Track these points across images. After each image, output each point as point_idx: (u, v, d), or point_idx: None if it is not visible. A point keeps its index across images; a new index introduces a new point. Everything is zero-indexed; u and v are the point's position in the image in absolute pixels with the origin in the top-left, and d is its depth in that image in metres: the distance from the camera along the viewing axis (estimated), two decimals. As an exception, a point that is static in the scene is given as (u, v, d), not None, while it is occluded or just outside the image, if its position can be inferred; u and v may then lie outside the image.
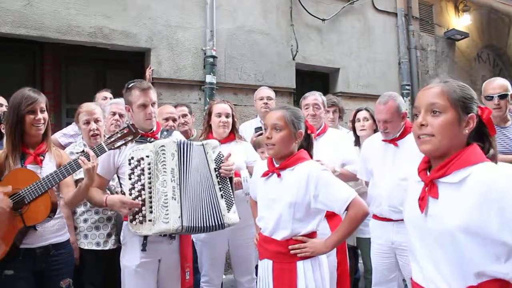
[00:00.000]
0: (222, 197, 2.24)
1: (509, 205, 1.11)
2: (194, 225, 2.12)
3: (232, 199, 2.31)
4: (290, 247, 1.86)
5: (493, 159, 1.29)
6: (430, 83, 1.35)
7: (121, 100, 3.25)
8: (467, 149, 1.26)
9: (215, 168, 2.28)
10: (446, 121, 1.25)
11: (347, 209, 1.81)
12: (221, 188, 2.27)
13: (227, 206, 2.24)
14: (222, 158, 2.33)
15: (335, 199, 1.82)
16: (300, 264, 1.85)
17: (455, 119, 1.25)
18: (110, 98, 3.72)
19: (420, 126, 1.28)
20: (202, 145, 2.30)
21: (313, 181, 1.84)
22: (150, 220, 2.10)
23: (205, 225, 2.15)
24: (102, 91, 3.86)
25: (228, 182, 2.32)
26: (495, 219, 1.12)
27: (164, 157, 2.14)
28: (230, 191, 2.32)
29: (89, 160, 2.03)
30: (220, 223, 2.19)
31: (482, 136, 1.32)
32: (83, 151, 2.59)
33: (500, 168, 1.19)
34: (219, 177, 2.28)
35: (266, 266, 1.94)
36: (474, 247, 1.17)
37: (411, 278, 1.39)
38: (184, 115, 3.64)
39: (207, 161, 2.27)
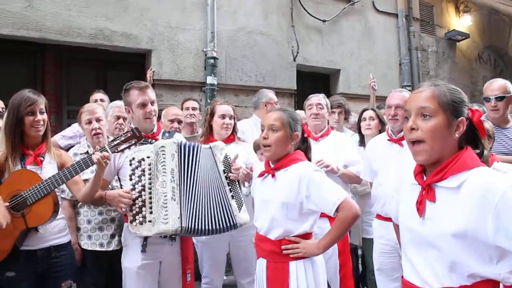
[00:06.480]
0: (233, 198, 2.28)
1: (505, 210, 1.13)
2: (199, 227, 2.12)
3: (242, 199, 2.33)
4: (282, 247, 1.87)
5: (487, 160, 1.30)
6: (421, 86, 1.35)
7: (122, 103, 3.24)
8: (462, 153, 1.27)
9: (223, 170, 2.31)
10: (436, 125, 1.25)
11: (337, 210, 1.81)
12: (231, 189, 2.30)
13: (238, 206, 2.27)
14: (229, 160, 2.36)
15: (326, 200, 1.83)
16: (292, 264, 1.86)
17: (444, 123, 1.26)
18: (101, 100, 3.69)
19: (411, 130, 1.29)
20: (210, 147, 2.33)
21: (305, 181, 1.85)
22: (150, 221, 2.09)
23: (215, 227, 2.16)
24: (95, 92, 3.82)
25: (237, 183, 2.36)
26: (492, 223, 1.14)
27: (164, 158, 2.14)
28: (239, 191, 2.35)
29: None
30: (232, 223, 2.21)
31: (475, 138, 1.33)
32: (87, 152, 2.60)
33: (496, 172, 1.20)
34: (228, 179, 2.31)
35: (261, 265, 1.97)
36: (469, 250, 1.19)
37: (402, 277, 1.40)
38: (194, 108, 3.70)
39: (216, 163, 2.30)
